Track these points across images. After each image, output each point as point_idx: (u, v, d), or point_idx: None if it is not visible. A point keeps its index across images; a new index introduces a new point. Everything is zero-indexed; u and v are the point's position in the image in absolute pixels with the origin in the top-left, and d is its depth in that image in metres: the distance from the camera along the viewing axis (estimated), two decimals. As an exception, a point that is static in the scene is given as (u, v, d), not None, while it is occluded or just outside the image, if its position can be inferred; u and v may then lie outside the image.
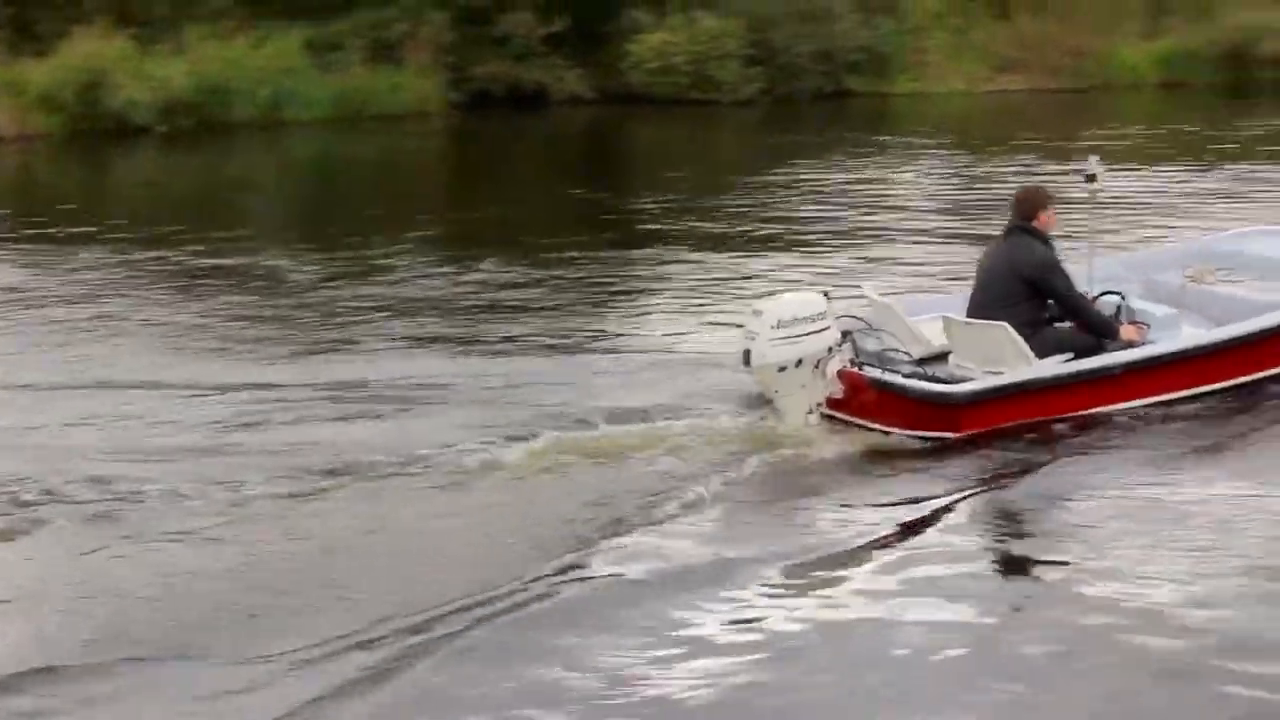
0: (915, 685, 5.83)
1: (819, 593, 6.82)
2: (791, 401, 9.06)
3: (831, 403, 9.18)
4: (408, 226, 18.85)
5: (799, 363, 8.93)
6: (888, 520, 7.73)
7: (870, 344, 9.60)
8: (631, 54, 37.48)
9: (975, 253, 15.25)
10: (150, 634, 6.47)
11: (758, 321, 8.91)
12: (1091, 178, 10.24)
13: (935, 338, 9.79)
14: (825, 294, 9.39)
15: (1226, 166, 22.86)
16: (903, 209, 19.40)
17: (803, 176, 22.63)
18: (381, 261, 16.10)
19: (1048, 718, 5.61)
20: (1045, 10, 42.35)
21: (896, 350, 9.58)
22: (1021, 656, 6.04)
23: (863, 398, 9.10)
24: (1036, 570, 7.19)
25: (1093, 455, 8.74)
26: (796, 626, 6.42)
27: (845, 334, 9.32)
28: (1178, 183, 21.17)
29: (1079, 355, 9.34)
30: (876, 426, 9.07)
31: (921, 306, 10.40)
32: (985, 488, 8.24)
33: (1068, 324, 9.60)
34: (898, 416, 9.00)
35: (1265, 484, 8.16)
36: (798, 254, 16.07)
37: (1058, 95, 39.32)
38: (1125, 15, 42.91)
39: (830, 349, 9.07)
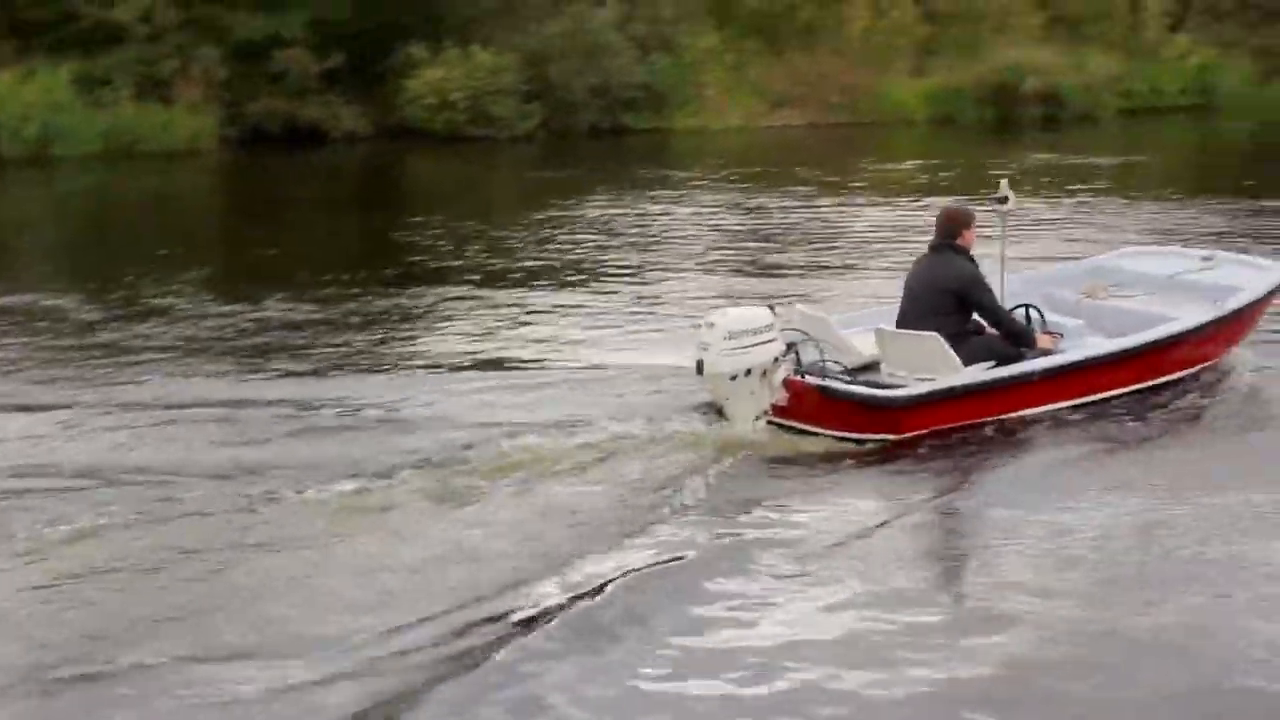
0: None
1: (745, 598, 7.17)
2: (741, 408, 9.72)
3: (777, 410, 9.82)
4: (185, 265, 18.61)
5: (748, 372, 9.61)
6: (834, 525, 8.23)
7: (810, 355, 10.16)
8: (408, 90, 37.57)
9: (756, 284, 15.93)
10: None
11: (711, 333, 9.61)
12: (1003, 200, 11.13)
13: (865, 349, 10.48)
14: (771, 308, 10.01)
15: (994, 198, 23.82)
16: (682, 242, 19.74)
17: (581, 211, 22.92)
18: (158, 301, 15.87)
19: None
20: (818, 47, 43.61)
21: (831, 361, 10.17)
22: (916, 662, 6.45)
23: (808, 404, 9.80)
24: (964, 573, 7.74)
25: (1017, 459, 9.55)
26: (735, 632, 6.77)
27: (790, 345, 9.96)
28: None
29: (1001, 363, 10.15)
30: (822, 431, 9.80)
31: (851, 320, 11.12)
32: (921, 491, 8.93)
33: (990, 333, 10.40)
34: (842, 421, 9.77)
35: (1166, 493, 8.78)
36: (580, 288, 16.29)
37: (834, 130, 40.59)
38: (895, 53, 44.45)
39: (776, 359, 9.73)
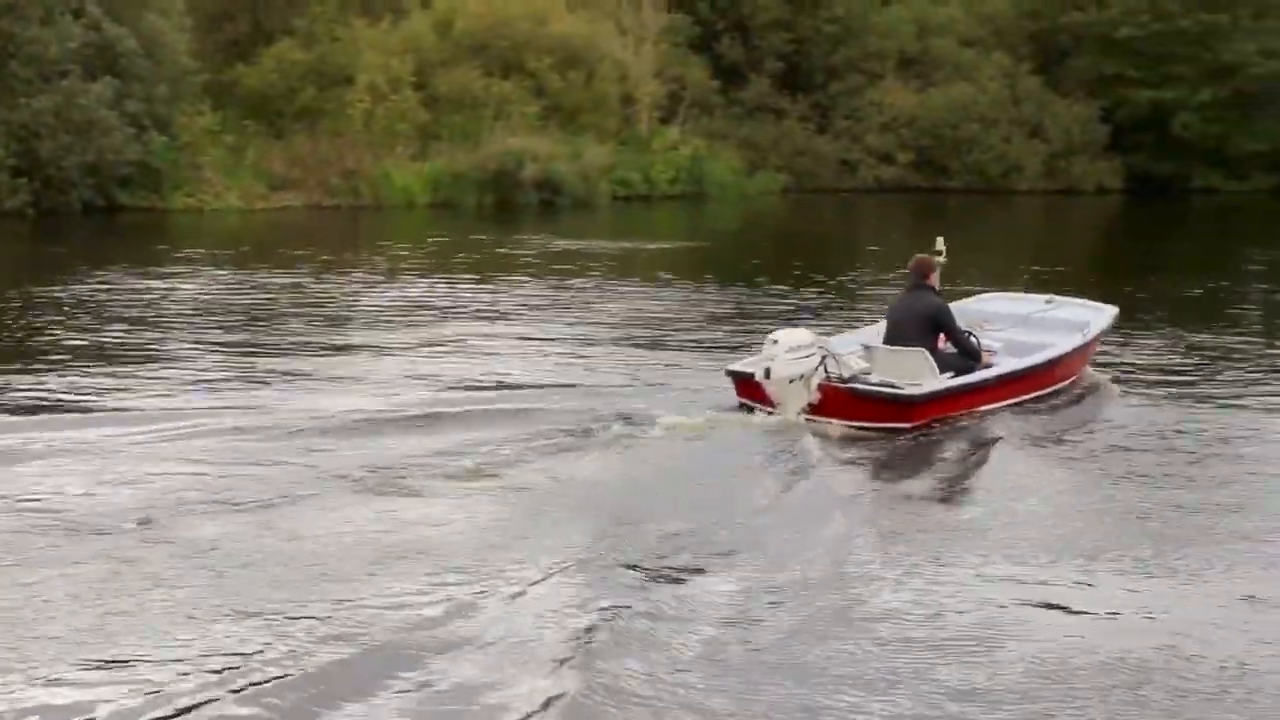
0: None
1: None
2: (792, 404, 13.08)
3: (811, 408, 13.12)
4: None
5: (800, 377, 13.00)
6: (871, 489, 11.56)
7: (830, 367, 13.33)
8: (-116, 163, 36.43)
9: (247, 361, 16.49)
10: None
11: (775, 348, 13.13)
12: (939, 253, 14.87)
13: (853, 363, 13.52)
14: (810, 329, 13.82)
15: (496, 279, 25.38)
16: (175, 323, 19.96)
17: (77, 289, 22.75)
18: None
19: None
20: (319, 130, 44.58)
21: (835, 372, 13.26)
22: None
23: (837, 402, 13.12)
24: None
25: (996, 440, 13.04)
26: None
27: (823, 359, 13.16)
28: (445, 289, 23.34)
29: (958, 373, 13.84)
30: (850, 423, 13.07)
31: (839, 342, 14.34)
32: (923, 462, 12.46)
33: (952, 350, 14.06)
34: (868, 414, 13.09)
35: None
36: (82, 370, 16.09)
37: (335, 213, 41.67)
38: (396, 138, 45.88)
39: (816, 369, 13.07)
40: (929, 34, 64.79)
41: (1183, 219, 52.90)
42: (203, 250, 30.49)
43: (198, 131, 42.52)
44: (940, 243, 14.94)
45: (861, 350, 14.00)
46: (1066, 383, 15.23)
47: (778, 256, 32.68)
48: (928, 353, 13.59)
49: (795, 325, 15.08)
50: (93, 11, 39.88)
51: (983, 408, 13.84)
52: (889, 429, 13.03)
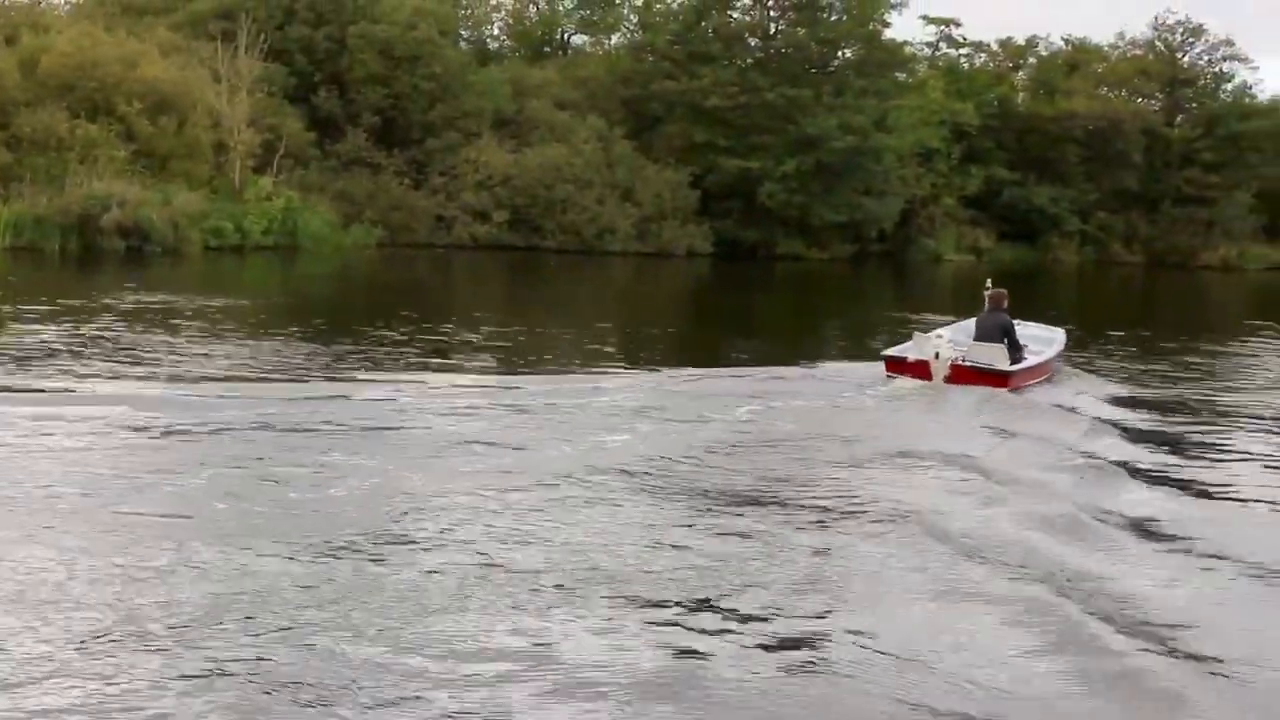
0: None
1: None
2: (941, 375, 20.55)
3: (946, 378, 20.65)
4: None
5: (952, 358, 20.73)
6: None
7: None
8: None
9: None
10: None
11: (941, 341, 21.06)
12: (988, 288, 22.42)
13: (951, 352, 21.22)
14: (953, 329, 22.90)
15: (85, 325, 25.26)
16: None
17: None
18: None
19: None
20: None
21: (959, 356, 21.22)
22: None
23: (962, 374, 20.76)
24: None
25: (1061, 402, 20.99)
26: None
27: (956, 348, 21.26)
28: (39, 338, 23.18)
29: (1013, 363, 21.28)
30: (971, 386, 20.47)
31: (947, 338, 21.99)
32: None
33: (1008, 346, 21.64)
34: (983, 381, 20.72)
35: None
36: None
37: (-94, 255, 40.32)
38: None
39: (955, 353, 20.94)
40: (525, 95, 66.68)
41: (766, 283, 55.82)
42: None
43: None
44: (989, 283, 22.59)
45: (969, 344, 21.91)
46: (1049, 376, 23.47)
47: (371, 310, 33.33)
48: (1004, 346, 21.27)
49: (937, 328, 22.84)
50: None
51: (1030, 382, 21.70)
52: (994, 390, 20.47)
